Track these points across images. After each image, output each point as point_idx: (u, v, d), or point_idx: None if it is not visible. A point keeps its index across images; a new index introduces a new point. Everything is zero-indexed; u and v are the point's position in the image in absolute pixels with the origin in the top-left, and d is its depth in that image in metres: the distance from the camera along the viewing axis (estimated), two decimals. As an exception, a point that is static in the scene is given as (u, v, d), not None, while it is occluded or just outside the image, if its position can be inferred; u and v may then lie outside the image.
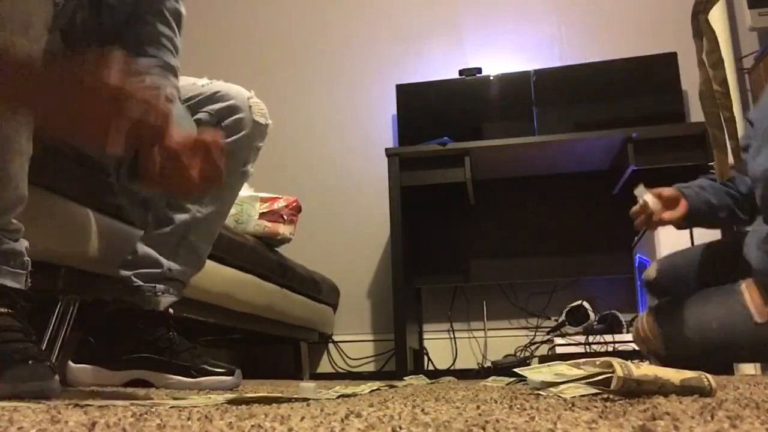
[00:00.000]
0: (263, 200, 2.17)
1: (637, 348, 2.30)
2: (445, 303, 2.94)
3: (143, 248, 1.24)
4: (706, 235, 2.18)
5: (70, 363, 1.19)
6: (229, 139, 1.25)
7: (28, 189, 0.88)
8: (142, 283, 1.21)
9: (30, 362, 0.79)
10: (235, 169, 1.29)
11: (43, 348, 1.18)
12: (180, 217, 1.25)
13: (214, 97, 1.28)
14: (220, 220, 1.37)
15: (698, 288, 1.59)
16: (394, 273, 2.50)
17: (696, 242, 2.16)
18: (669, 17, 2.95)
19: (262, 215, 2.14)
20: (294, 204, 2.23)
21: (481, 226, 2.89)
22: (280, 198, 2.20)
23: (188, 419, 0.51)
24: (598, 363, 0.75)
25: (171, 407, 0.63)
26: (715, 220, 1.62)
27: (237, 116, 1.27)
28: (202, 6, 3.55)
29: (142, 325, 1.20)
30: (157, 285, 1.22)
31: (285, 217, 2.18)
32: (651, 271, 1.74)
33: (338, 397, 0.84)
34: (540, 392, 0.81)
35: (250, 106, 1.30)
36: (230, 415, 0.55)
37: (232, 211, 2.13)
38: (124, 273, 1.22)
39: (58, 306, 1.25)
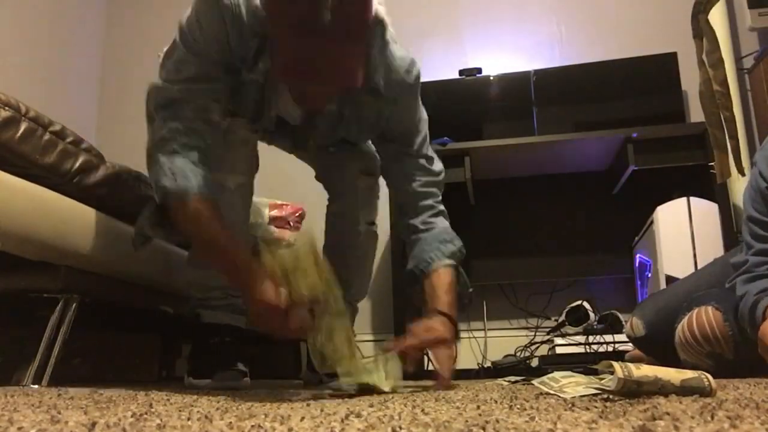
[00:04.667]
0: (272, 206, 2.17)
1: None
2: (445, 303, 2.93)
3: None
4: (708, 236, 2.18)
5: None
6: None
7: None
8: None
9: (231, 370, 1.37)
10: None
11: (43, 347, 1.22)
12: None
13: None
14: None
15: None
16: (394, 273, 2.49)
17: (697, 243, 2.15)
18: (669, 17, 2.95)
19: (270, 221, 2.14)
20: (300, 212, 2.23)
21: (481, 226, 2.89)
22: (287, 204, 2.20)
23: (188, 419, 0.51)
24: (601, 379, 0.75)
25: (171, 405, 0.63)
26: None
27: None
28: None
29: None
30: None
31: (291, 224, 2.18)
32: (638, 328, 1.63)
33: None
34: (540, 392, 0.81)
35: None
36: (230, 415, 0.55)
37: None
38: None
39: (58, 306, 1.25)
